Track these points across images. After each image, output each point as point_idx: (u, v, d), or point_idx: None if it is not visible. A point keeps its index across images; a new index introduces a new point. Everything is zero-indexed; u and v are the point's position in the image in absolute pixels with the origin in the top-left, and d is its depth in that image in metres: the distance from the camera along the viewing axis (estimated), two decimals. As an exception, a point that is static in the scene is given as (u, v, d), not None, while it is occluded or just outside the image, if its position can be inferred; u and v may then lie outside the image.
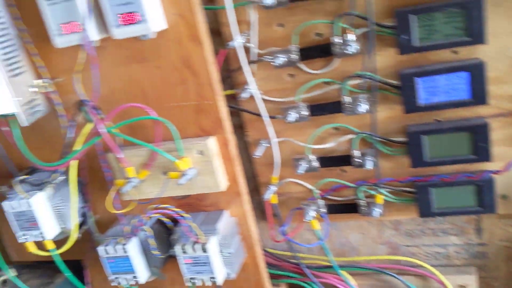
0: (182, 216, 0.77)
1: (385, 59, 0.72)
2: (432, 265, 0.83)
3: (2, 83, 0.69)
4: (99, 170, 0.84)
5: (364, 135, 0.76)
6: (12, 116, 0.73)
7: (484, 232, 0.81)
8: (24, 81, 0.73)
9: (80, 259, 0.92)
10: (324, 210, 0.82)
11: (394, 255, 0.87)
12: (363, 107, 0.73)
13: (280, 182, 0.84)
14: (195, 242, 0.76)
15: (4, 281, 0.96)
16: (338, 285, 0.85)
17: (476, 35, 0.66)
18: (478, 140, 0.70)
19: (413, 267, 0.84)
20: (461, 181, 0.73)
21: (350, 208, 0.81)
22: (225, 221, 0.80)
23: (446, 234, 0.83)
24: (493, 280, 0.84)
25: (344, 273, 0.84)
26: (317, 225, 0.82)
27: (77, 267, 1.00)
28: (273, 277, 0.89)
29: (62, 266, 0.85)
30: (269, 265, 0.89)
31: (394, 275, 0.83)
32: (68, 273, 0.86)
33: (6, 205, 0.77)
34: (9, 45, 0.71)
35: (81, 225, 0.85)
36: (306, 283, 0.87)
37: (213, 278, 0.77)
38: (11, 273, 0.96)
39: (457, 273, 0.83)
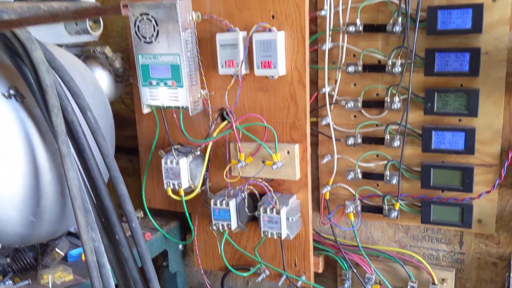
0: (269, 189, 1.21)
1: (415, 116, 1.14)
2: (426, 262, 1.21)
3: (186, 87, 1.18)
4: (219, 154, 1.30)
5: (394, 162, 1.17)
6: (184, 108, 1.21)
7: (464, 245, 1.19)
8: (195, 89, 1.22)
9: (190, 213, 1.37)
10: (359, 208, 1.23)
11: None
12: (397, 143, 1.15)
13: (333, 185, 1.26)
14: (273, 207, 1.19)
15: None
16: (360, 263, 1.24)
17: (472, 111, 1.07)
18: (466, 178, 1.10)
19: (413, 260, 1.22)
20: (451, 202, 1.13)
21: (377, 210, 1.22)
22: (293, 201, 1.23)
23: (439, 242, 1.21)
24: (466, 281, 1.21)
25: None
26: (352, 217, 1.22)
27: (183, 220, 1.46)
28: (315, 249, 1.30)
29: (185, 209, 1.30)
30: (314, 241, 1.30)
31: (400, 262, 1.21)
32: (187, 214, 1.32)
33: (163, 162, 1.25)
34: (193, 66, 1.20)
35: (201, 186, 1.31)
36: (338, 257, 1.28)
37: (279, 233, 1.19)
38: (141, 214, 1.44)
39: (442, 270, 1.20)
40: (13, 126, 0.93)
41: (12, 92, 0.93)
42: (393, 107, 1.14)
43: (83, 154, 0.95)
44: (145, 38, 1.18)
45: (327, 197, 1.27)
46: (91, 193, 0.96)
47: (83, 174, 0.96)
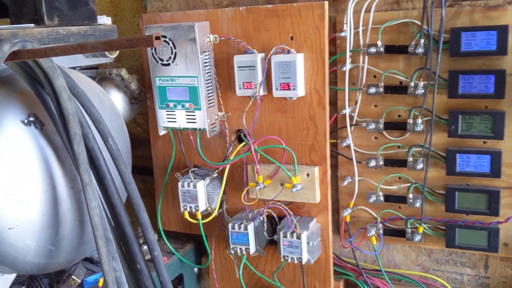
0: (289, 213, 1.18)
1: (438, 138, 1.12)
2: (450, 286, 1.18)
3: (204, 109, 1.17)
4: (236, 175, 1.28)
5: (417, 185, 1.15)
6: (201, 130, 1.19)
7: (489, 269, 1.16)
8: (212, 111, 1.20)
9: (206, 235, 1.35)
10: (381, 232, 1.21)
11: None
12: (420, 166, 1.13)
13: (354, 208, 1.24)
14: (293, 232, 1.16)
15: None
16: (382, 287, 1.21)
17: (498, 134, 1.05)
18: (492, 201, 1.08)
19: (436, 284, 1.20)
20: (477, 226, 1.10)
21: (399, 233, 1.19)
22: (314, 224, 1.20)
23: (463, 266, 1.18)
24: (492, 306, 1.18)
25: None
26: (374, 241, 1.20)
27: (198, 243, 1.44)
28: (336, 273, 1.27)
29: (202, 233, 1.28)
30: (334, 264, 1.27)
31: (423, 286, 1.18)
32: (204, 238, 1.29)
33: (180, 185, 1.23)
34: (210, 88, 1.19)
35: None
36: (359, 281, 1.25)
37: (300, 258, 1.16)
38: (156, 236, 1.41)
39: (467, 295, 1.17)
40: (32, 154, 0.91)
41: (31, 119, 0.91)
42: (416, 129, 1.12)
43: (104, 181, 0.93)
44: (162, 60, 1.17)
45: (348, 219, 1.24)
46: (111, 220, 0.94)
47: (103, 201, 0.93)
